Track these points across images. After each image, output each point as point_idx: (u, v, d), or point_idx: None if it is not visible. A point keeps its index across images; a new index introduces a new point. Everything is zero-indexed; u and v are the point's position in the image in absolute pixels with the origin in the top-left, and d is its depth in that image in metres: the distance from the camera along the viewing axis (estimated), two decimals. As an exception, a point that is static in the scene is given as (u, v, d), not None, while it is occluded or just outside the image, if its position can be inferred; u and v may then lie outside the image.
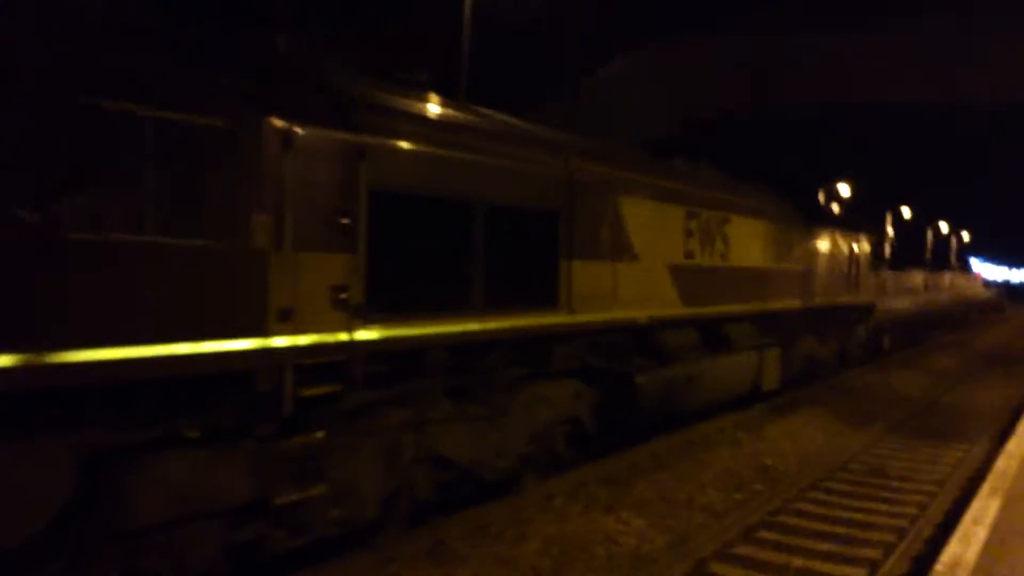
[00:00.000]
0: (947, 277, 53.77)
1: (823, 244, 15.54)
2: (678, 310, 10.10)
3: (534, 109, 16.61)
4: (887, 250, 42.36)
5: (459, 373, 7.06)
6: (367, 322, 5.98)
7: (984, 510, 7.16)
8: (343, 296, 5.81)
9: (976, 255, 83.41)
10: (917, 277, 43.04)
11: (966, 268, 68.93)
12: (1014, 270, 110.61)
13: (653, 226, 9.55)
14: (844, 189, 31.38)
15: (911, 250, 50.71)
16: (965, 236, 71.79)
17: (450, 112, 7.34)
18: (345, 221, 5.83)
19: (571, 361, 8.43)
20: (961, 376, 19.68)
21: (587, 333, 8.52)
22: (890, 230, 44.04)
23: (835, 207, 17.51)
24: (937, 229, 59.20)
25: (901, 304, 28.52)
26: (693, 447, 10.88)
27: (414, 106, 6.97)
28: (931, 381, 18.62)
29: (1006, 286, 78.81)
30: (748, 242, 12.07)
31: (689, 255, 10.34)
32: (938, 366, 21.58)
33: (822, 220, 15.84)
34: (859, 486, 9.79)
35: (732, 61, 21.30)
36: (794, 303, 13.78)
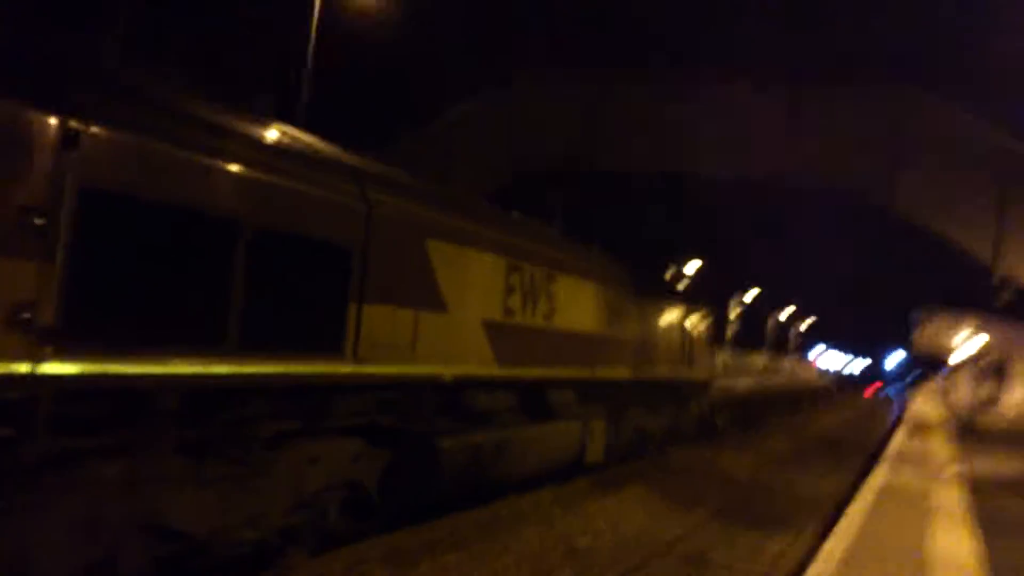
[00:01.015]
0: (786, 362, 55.71)
1: (659, 316, 15.07)
2: (492, 370, 9.15)
3: (382, 148, 15.74)
4: (729, 330, 43.40)
5: (199, 424, 5.81)
6: (60, 352, 4.69)
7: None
8: (26, 316, 4.53)
9: (823, 340, 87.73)
10: (758, 360, 44.22)
11: (804, 355, 71.95)
12: (859, 358, 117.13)
13: (468, 276, 8.62)
14: (691, 265, 31.84)
15: (754, 333, 52.28)
16: (806, 323, 75.16)
17: (223, 117, 6.22)
18: (39, 222, 4.58)
19: (355, 418, 7.28)
20: (791, 460, 19.58)
21: (376, 387, 7.42)
22: (734, 311, 45.17)
23: (676, 282, 17.25)
24: (776, 317, 61.60)
25: (740, 384, 28.78)
26: (500, 523, 9.82)
27: (175, 102, 5.82)
28: (762, 463, 18.36)
29: (838, 376, 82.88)
30: (577, 304, 11.34)
31: (509, 312, 9.45)
32: (770, 448, 21.51)
33: (659, 291, 15.41)
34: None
35: (560, 110, 21.07)
36: (624, 373, 13.12)
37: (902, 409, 38.82)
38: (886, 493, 11.27)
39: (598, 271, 12.17)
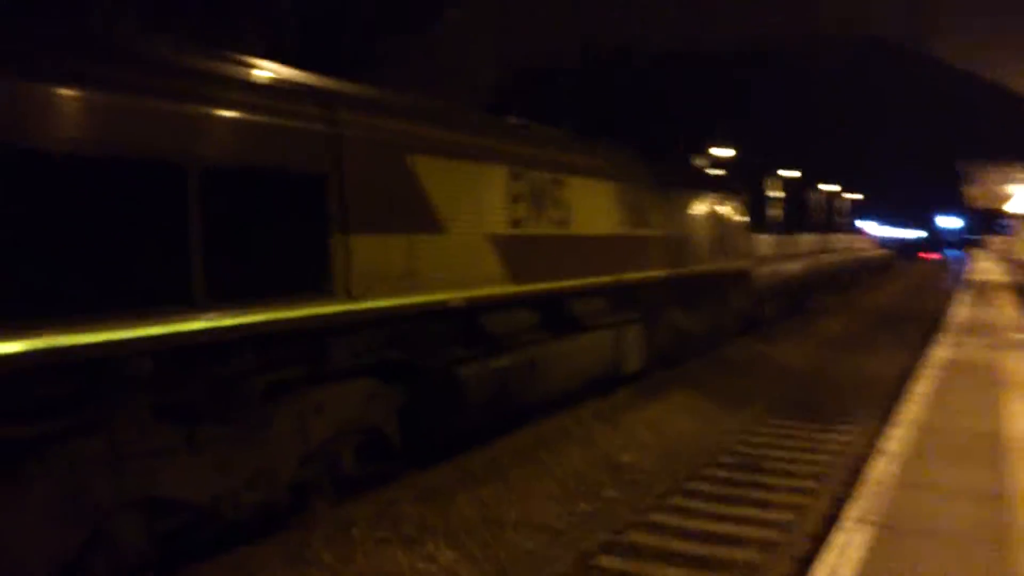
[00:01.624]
0: (838, 238, 54.22)
1: (688, 207, 14.26)
2: (506, 288, 8.56)
3: (368, 72, 14.92)
4: (773, 213, 42.09)
5: (178, 387, 5.36)
6: (-7, 330, 4.23)
7: (848, 547, 5.32)
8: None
9: (872, 216, 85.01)
10: (807, 239, 42.97)
11: (856, 229, 69.96)
12: (914, 227, 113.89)
13: (464, 191, 7.97)
14: (724, 151, 30.57)
15: (801, 212, 50.75)
16: (856, 197, 72.81)
17: (162, 51, 5.60)
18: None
19: (359, 358, 6.79)
20: (849, 341, 18.87)
21: (377, 322, 6.90)
22: (776, 193, 43.76)
23: (704, 170, 16.38)
24: (826, 191, 59.57)
25: (789, 268, 27.84)
26: (536, 446, 9.38)
27: (95, 41, 5.22)
28: (817, 350, 17.69)
29: (895, 244, 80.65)
30: (592, 206, 10.62)
31: (516, 223, 8.80)
32: (826, 331, 20.79)
33: (687, 181, 14.56)
34: (728, 485, 8.48)
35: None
36: (654, 272, 12.44)
37: (963, 272, 37.53)
38: (951, 368, 10.57)
39: (614, 169, 11.40)
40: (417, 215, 7.26)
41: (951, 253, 79.54)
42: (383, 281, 6.79)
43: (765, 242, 34.95)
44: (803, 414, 11.54)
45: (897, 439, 7.84)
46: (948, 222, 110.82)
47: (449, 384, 7.82)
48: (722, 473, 8.87)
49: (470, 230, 7.99)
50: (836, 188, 63.50)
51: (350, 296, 6.43)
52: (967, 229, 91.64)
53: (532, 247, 9.08)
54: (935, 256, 79.42)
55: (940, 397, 9.44)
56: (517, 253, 8.74)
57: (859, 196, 74.83)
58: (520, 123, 10.26)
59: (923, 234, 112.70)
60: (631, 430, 10.35)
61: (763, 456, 9.50)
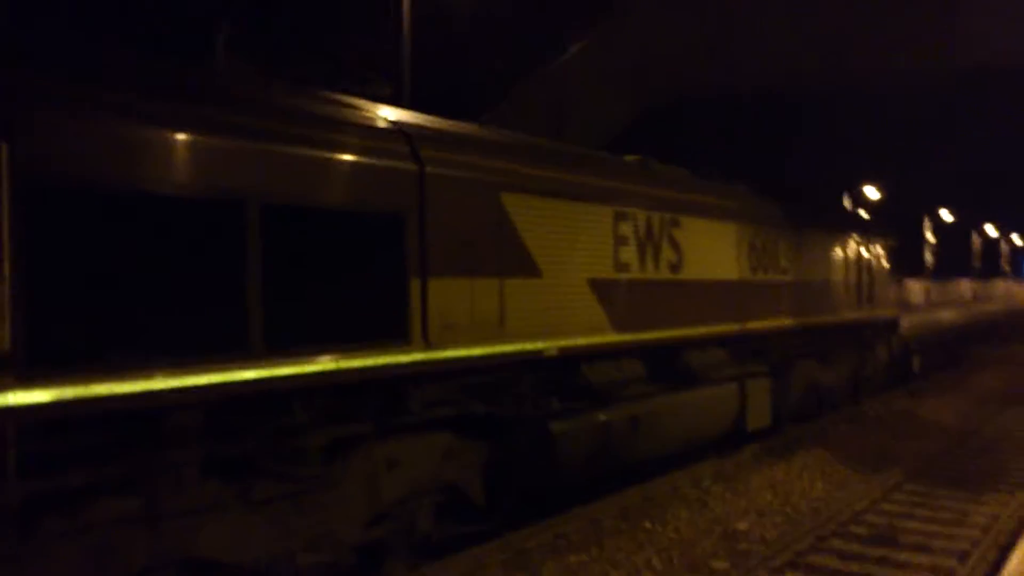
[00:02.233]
0: (1000, 284, 50.29)
1: (827, 251, 13.20)
2: (608, 337, 7.93)
3: (484, 112, 14.69)
4: (928, 257, 39.38)
5: (234, 439, 5.00)
6: (23, 380, 3.97)
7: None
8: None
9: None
10: (963, 286, 39.99)
11: (1020, 274, 64.80)
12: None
13: (563, 232, 7.42)
14: (870, 191, 28.74)
15: (955, 257, 47.34)
16: (1017, 240, 67.55)
17: (224, 87, 5.38)
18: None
19: (438, 410, 6.29)
20: (1007, 400, 17.03)
21: (459, 373, 6.40)
22: (929, 235, 40.96)
23: (848, 211, 15.21)
24: (984, 232, 55.42)
25: (944, 316, 25.80)
26: (641, 510, 8.63)
27: (156, 73, 5.03)
28: (971, 407, 16.03)
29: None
30: (714, 250, 9.86)
31: (622, 267, 8.16)
32: (982, 388, 18.90)
33: (825, 223, 13.48)
34: (855, 561, 7.49)
35: (690, 29, 18.50)
36: (787, 322, 11.47)
37: None
38: None
39: (738, 209, 10.60)
40: (508, 257, 6.76)
41: None
42: (466, 328, 6.30)
43: (917, 289, 32.76)
44: (949, 480, 10.27)
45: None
46: None
47: (540, 439, 7.22)
48: (850, 546, 7.85)
49: (568, 274, 7.43)
50: (997, 232, 59.17)
51: (427, 344, 5.97)
52: None
53: (640, 293, 8.42)
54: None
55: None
56: (622, 299, 8.11)
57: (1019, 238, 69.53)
58: (634, 161, 9.66)
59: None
60: (752, 493, 9.43)
61: (898, 527, 8.40)
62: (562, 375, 7.63)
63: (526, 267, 6.96)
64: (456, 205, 6.30)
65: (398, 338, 5.78)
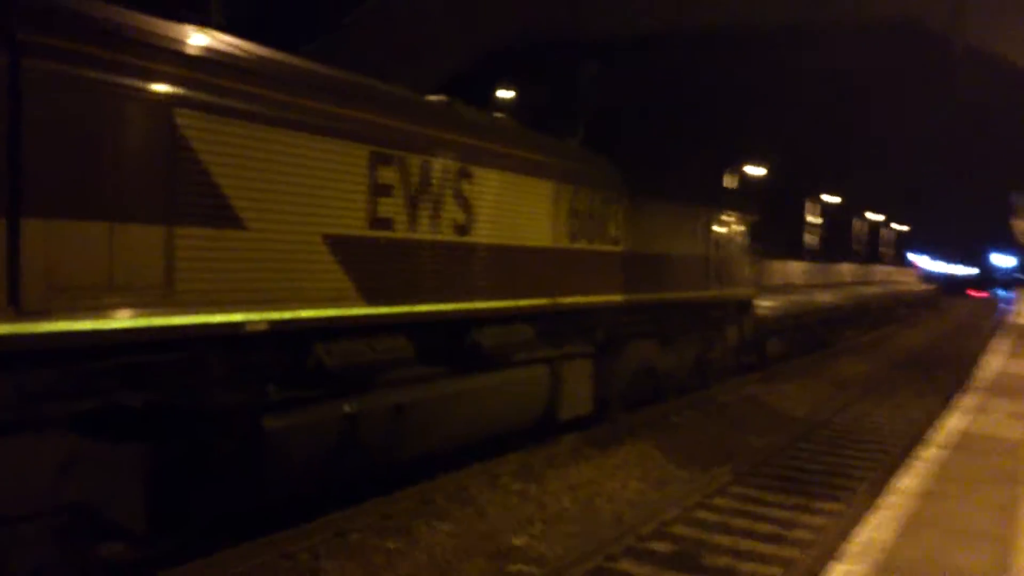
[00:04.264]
0: (879, 269, 50.96)
1: (672, 224, 11.91)
2: (355, 309, 6.32)
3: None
4: (807, 239, 39.22)
5: None
6: None
7: None
8: None
9: (924, 250, 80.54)
10: (844, 269, 40.04)
11: (903, 261, 66.24)
12: (962, 264, 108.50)
13: (283, 174, 5.72)
14: (753, 169, 27.90)
15: (840, 241, 47.57)
16: (903, 228, 68.93)
17: None
18: None
19: (47, 404, 4.55)
20: (867, 387, 16.21)
21: (87, 352, 4.66)
22: (811, 217, 40.83)
23: (710, 186, 14.01)
24: (865, 218, 56.17)
25: (820, 298, 25.26)
26: (409, 516, 7.12)
27: None
28: (828, 395, 15.11)
29: (946, 280, 76.31)
30: (520, 211, 8.35)
31: (381, 223, 6.54)
32: (843, 374, 18.11)
33: (669, 193, 12.13)
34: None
35: None
36: (613, 297, 10.09)
37: (1009, 313, 34.33)
38: (962, 449, 7.80)
39: (560, 168, 9.10)
40: (184, 200, 5.05)
41: (1002, 292, 75.11)
42: (99, 291, 4.58)
43: (797, 270, 32.34)
44: (782, 481, 9.12)
45: (876, 527, 5.33)
46: (1002, 260, 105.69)
47: (245, 438, 5.58)
48: (641, 569, 6.51)
49: (291, 228, 5.76)
50: (881, 217, 60.11)
51: (19, 312, 4.23)
52: (1019, 267, 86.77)
53: (411, 257, 6.84)
54: (983, 295, 74.98)
55: (931, 501, 5.95)
56: (380, 263, 6.51)
57: (905, 228, 71.08)
58: (433, 101, 8.03)
59: (975, 271, 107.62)
60: (547, 497, 8.02)
61: (707, 543, 7.12)
62: (285, 356, 5.98)
63: (218, 214, 5.27)
64: (84, 120, 4.54)
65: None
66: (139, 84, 4.86)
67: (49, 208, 4.39)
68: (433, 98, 8.31)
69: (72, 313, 4.49)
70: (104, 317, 4.62)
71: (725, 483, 8.89)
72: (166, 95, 5.00)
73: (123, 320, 4.73)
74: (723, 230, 13.54)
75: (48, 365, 4.49)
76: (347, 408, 6.31)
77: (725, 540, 7.24)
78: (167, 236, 4.95)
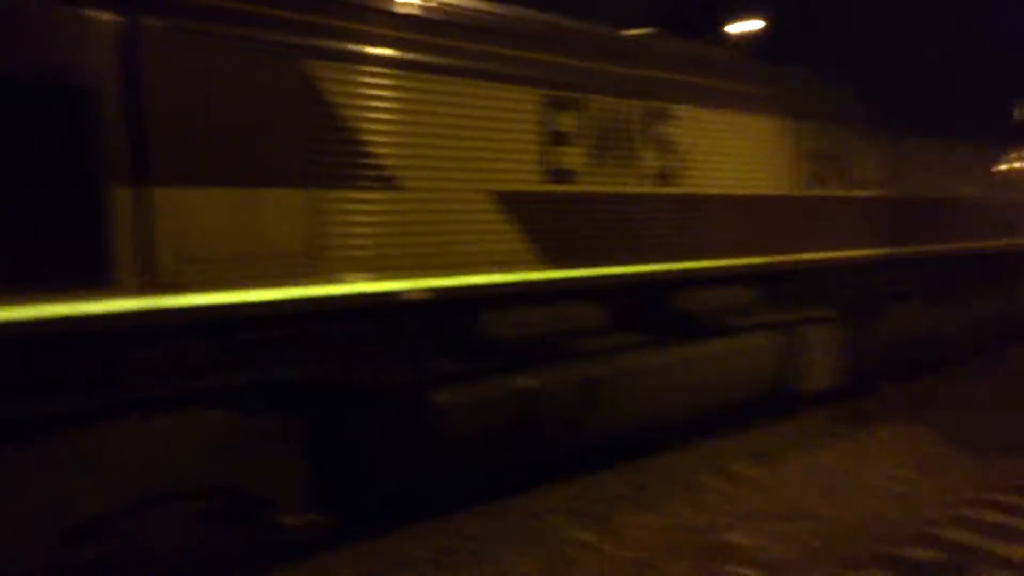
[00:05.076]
0: None
1: (944, 162, 10.09)
2: (533, 272, 5.66)
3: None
4: None
5: None
6: None
7: None
8: None
9: None
10: None
11: None
12: None
13: (443, 125, 5.17)
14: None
15: None
16: None
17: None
18: None
19: (192, 382, 4.31)
20: None
21: (231, 324, 4.39)
22: None
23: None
24: None
25: None
26: (619, 499, 6.41)
27: None
28: None
29: None
30: (739, 153, 7.24)
31: (562, 176, 5.82)
32: None
33: (939, 126, 10.23)
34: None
35: None
36: (864, 251, 8.64)
37: None
38: None
39: (798, 103, 7.84)
40: (327, 160, 4.65)
41: None
42: (236, 262, 4.29)
43: None
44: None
45: None
46: None
47: (410, 415, 5.15)
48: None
49: (453, 186, 5.21)
50: None
51: (151, 286, 4.01)
52: None
53: (593, 212, 6.07)
54: None
55: None
56: (561, 220, 5.80)
57: None
58: (633, 35, 7.14)
59: None
60: (780, 485, 6.95)
61: (978, 549, 5.74)
62: (451, 326, 5.48)
63: (367, 175, 4.82)
64: (213, 78, 4.23)
65: (90, 277, 3.86)
66: (270, 36, 4.50)
67: (180, 175, 4.13)
68: (635, 32, 7.40)
69: (210, 285, 4.23)
70: (243, 288, 4.33)
71: (1012, 474, 7.28)
72: (301, 46, 4.60)
73: (264, 291, 4.42)
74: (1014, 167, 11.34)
75: (189, 340, 4.27)
76: (524, 382, 5.69)
77: (1004, 548, 5.81)
78: (309, 201, 4.57)
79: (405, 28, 5.05)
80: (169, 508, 4.30)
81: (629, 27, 7.73)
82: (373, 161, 4.85)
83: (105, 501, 4.06)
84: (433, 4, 5.31)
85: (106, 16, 3.91)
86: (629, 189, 6.29)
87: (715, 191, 7.00)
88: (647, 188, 6.43)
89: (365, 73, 4.83)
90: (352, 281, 4.73)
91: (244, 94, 4.37)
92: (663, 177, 6.55)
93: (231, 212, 4.27)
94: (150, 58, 4.04)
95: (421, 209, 5.07)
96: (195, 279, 4.14)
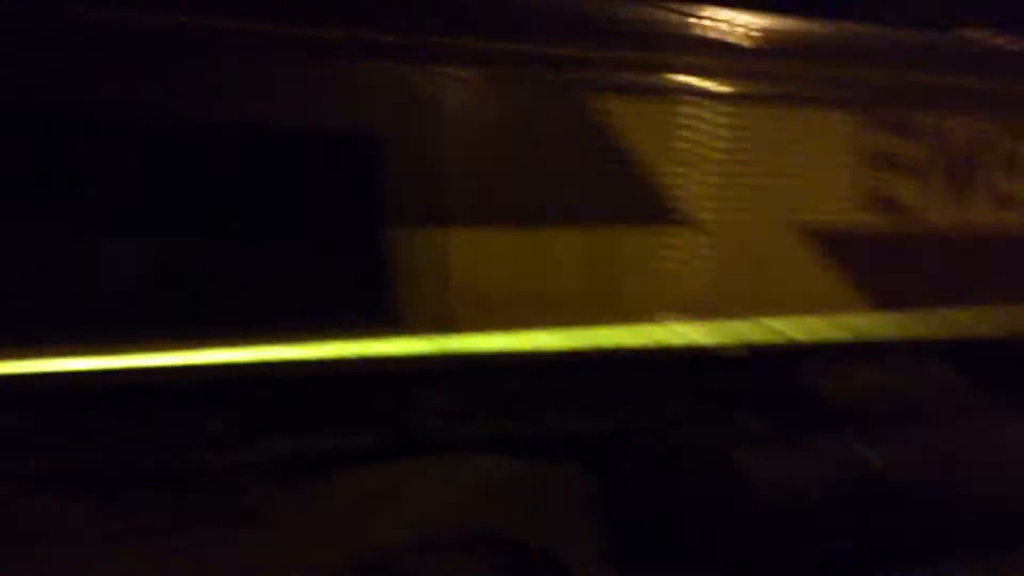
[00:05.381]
0: None
1: None
2: (852, 316, 4.94)
3: None
4: None
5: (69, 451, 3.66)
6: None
7: None
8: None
9: None
10: None
11: None
12: None
13: (744, 154, 4.73)
14: None
15: None
16: None
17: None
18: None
19: (458, 425, 4.21)
20: None
21: (519, 369, 4.25)
22: None
23: None
24: None
25: None
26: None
27: None
28: None
29: None
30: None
31: (881, 206, 5.06)
32: None
33: None
34: None
35: None
36: None
37: None
38: None
39: None
40: (616, 195, 4.43)
41: None
42: (523, 302, 4.18)
43: None
44: None
45: None
46: None
47: (713, 476, 4.68)
48: None
49: (748, 219, 4.73)
50: None
51: (438, 327, 4.01)
52: None
53: (931, 246, 5.23)
54: None
55: None
56: (882, 257, 5.06)
57: None
58: (964, 36, 6.18)
59: None
60: None
61: None
62: (759, 377, 4.92)
63: (663, 211, 4.53)
64: (503, 116, 4.21)
65: (378, 318, 3.93)
66: (563, 75, 4.41)
67: (461, 215, 4.13)
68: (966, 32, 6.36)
69: (499, 327, 4.15)
70: (527, 330, 4.19)
71: None
72: (593, 81, 4.46)
73: (556, 333, 4.25)
74: None
75: (466, 383, 4.20)
76: (860, 450, 4.93)
77: None
78: (600, 238, 4.36)
79: (698, 52, 4.73)
80: (455, 553, 4.20)
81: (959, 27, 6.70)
82: (665, 193, 4.54)
83: (390, 538, 4.05)
84: (727, 21, 4.93)
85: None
86: (975, 218, 5.36)
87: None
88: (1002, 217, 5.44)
89: (659, 102, 4.57)
90: (636, 324, 4.41)
91: (538, 133, 4.30)
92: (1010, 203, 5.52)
93: (522, 250, 4.16)
94: (446, 103, 4.09)
95: (721, 246, 4.65)
96: (487, 321, 4.07)
